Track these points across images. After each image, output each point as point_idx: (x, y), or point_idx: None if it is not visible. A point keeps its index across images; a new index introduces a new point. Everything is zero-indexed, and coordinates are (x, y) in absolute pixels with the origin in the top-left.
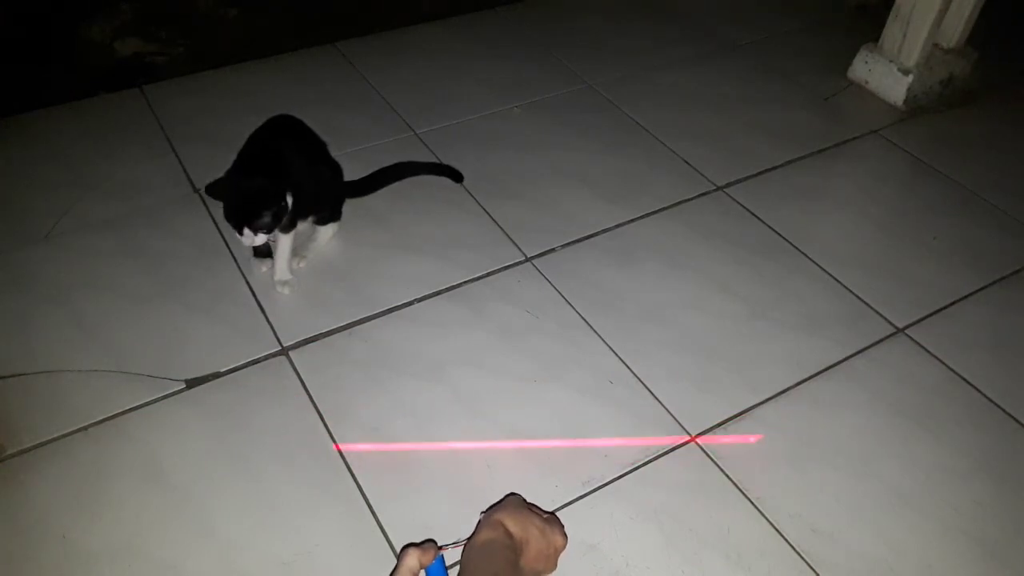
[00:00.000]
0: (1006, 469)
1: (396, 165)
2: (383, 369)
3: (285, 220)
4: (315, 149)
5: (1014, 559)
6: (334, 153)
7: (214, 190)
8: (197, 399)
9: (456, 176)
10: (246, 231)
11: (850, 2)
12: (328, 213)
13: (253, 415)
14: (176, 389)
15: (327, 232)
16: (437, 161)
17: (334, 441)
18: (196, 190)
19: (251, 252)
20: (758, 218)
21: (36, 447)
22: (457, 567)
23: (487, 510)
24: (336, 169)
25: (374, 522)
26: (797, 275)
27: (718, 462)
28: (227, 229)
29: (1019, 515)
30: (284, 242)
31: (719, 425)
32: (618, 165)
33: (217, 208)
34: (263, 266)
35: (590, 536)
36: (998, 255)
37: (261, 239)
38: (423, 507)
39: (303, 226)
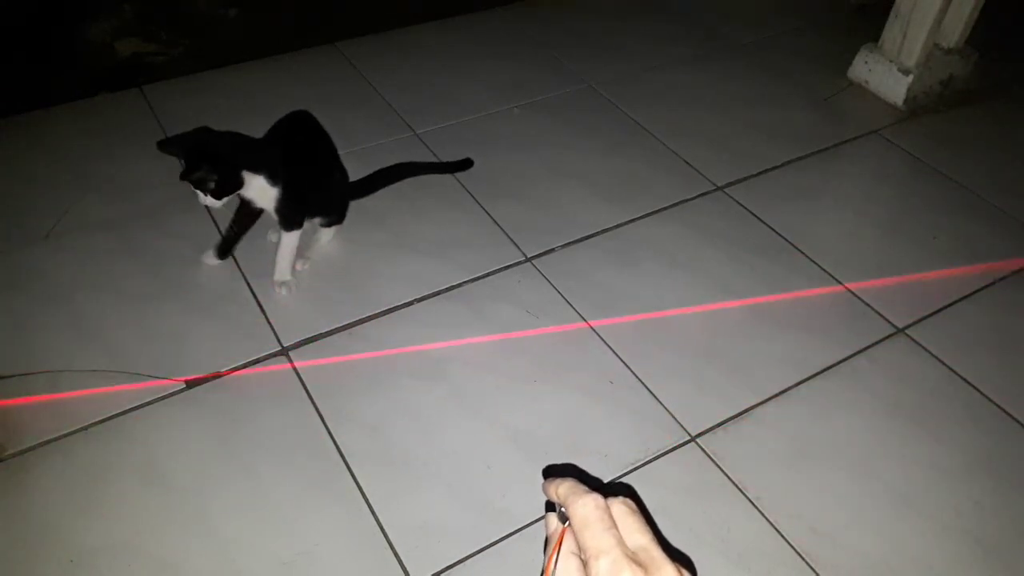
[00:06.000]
0: (1006, 469)
1: (397, 166)
2: (383, 369)
3: (285, 217)
4: (329, 151)
5: (1014, 559)
6: None
7: (164, 144)
8: (197, 399)
9: (464, 165)
10: (193, 189)
11: (850, 2)
12: (336, 216)
13: (253, 415)
14: (176, 389)
15: (328, 232)
16: (437, 160)
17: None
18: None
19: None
20: (758, 218)
21: (36, 447)
22: None
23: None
24: (344, 172)
25: (374, 522)
26: (797, 275)
27: (718, 462)
28: (226, 228)
29: (1019, 515)
30: (287, 240)
31: (719, 425)
32: (618, 165)
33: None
34: (275, 235)
35: None
36: (998, 255)
37: (212, 202)
38: (423, 507)
39: (305, 226)
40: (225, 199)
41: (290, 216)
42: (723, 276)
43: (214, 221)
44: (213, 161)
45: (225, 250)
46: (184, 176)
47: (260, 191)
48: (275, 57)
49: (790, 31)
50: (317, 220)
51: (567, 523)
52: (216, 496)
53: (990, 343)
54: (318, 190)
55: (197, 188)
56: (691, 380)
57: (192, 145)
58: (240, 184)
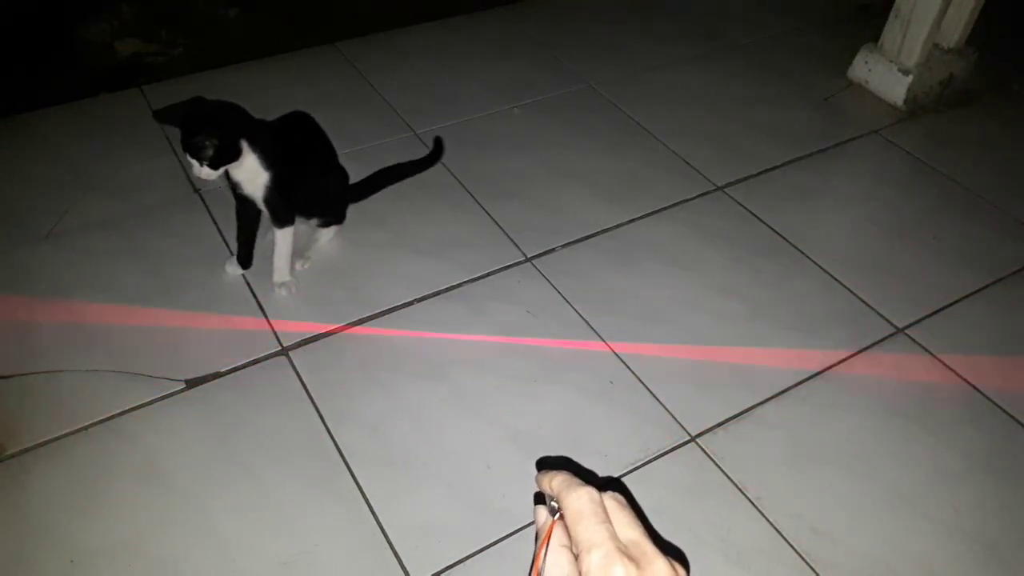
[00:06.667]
0: (1006, 469)
1: (396, 166)
2: (383, 369)
3: (274, 210)
4: (327, 152)
5: (1014, 559)
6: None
7: (161, 114)
8: (197, 399)
9: (437, 147)
10: (190, 159)
11: (851, 2)
12: (333, 217)
13: (253, 415)
14: (176, 389)
15: (328, 232)
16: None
17: (331, 437)
18: (196, 190)
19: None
20: (758, 218)
21: (36, 447)
22: None
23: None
24: (343, 174)
25: (374, 522)
26: (797, 275)
27: (718, 462)
28: (227, 228)
29: (1019, 515)
30: (280, 240)
31: (719, 425)
32: (618, 165)
33: (217, 207)
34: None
35: None
36: (998, 255)
37: (208, 172)
38: (423, 507)
39: (302, 227)
40: (220, 171)
41: (279, 210)
42: (723, 276)
43: (214, 221)
44: (214, 125)
45: (245, 257)
46: (185, 140)
47: (251, 172)
48: (275, 57)
49: (790, 31)
50: (314, 221)
51: (557, 516)
52: (216, 496)
53: (990, 343)
54: (311, 191)
55: (194, 157)
56: (691, 380)
57: (191, 112)
58: (239, 152)
